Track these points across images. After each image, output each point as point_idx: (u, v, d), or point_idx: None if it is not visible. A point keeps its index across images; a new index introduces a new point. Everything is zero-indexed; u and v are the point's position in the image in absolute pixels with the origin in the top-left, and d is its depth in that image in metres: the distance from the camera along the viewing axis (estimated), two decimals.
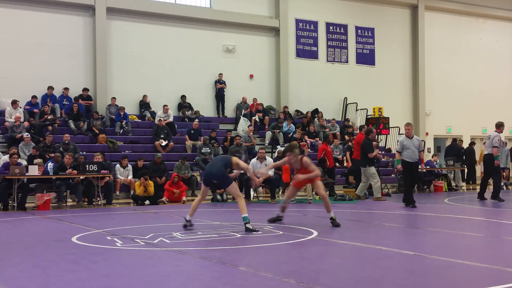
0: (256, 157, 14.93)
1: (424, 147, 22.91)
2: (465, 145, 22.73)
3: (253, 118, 20.84)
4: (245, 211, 8.27)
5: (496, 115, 26.68)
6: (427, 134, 25.30)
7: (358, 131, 19.88)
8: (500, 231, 8.77)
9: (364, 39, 24.49)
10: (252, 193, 15.20)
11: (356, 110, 23.22)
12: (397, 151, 12.87)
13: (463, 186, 21.03)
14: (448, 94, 25.99)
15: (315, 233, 8.03)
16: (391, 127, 20.42)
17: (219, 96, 21.40)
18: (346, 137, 20.48)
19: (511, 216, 10.57)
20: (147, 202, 14.16)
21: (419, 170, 12.82)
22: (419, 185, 19.13)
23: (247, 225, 8.20)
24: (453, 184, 19.95)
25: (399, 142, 12.90)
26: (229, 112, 21.67)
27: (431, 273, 5.44)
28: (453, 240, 7.51)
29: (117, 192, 15.42)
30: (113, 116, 18.90)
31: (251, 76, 22.22)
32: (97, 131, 17.86)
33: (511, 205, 13.01)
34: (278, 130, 19.90)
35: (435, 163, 19.66)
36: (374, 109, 21.06)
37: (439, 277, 5.29)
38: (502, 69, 27.63)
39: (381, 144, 21.69)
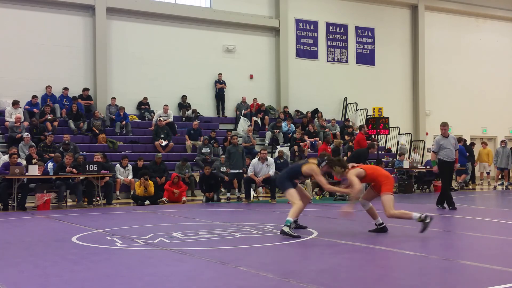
0: (257, 158, 14.92)
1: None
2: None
3: (253, 118, 20.83)
4: (291, 215, 7.75)
5: (496, 115, 26.78)
6: (427, 134, 25.29)
7: (358, 131, 19.89)
8: (501, 231, 8.78)
9: (364, 39, 24.48)
10: (252, 193, 15.21)
11: (356, 110, 23.21)
12: (433, 152, 12.29)
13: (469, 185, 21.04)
14: (448, 94, 25.97)
15: (315, 233, 8.03)
16: (391, 127, 20.39)
17: (219, 96, 21.39)
18: (346, 137, 20.47)
19: (510, 216, 10.57)
20: (147, 202, 14.15)
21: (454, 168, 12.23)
22: (419, 185, 19.15)
23: (285, 228, 7.65)
24: (453, 184, 19.92)
25: (435, 141, 12.29)
26: (229, 112, 21.66)
27: (431, 273, 5.45)
28: (453, 240, 7.51)
29: (117, 192, 15.41)
30: (113, 116, 18.90)
31: (251, 76, 22.21)
32: (97, 131, 17.86)
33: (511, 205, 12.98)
34: (278, 130, 19.89)
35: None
36: (374, 109, 21.00)
37: (439, 277, 5.29)
38: (502, 69, 27.62)
39: (381, 144, 21.67)
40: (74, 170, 13.46)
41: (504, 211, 12.04)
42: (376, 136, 19.17)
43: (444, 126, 12.09)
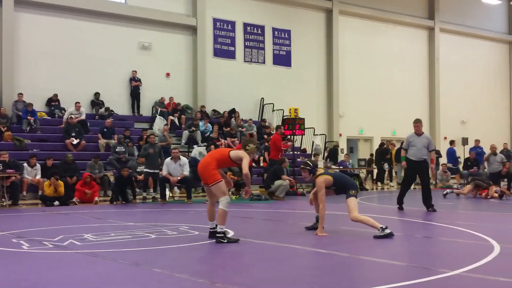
0: (170, 157, 14.71)
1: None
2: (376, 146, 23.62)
3: (170, 117, 20.54)
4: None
5: (404, 117, 27.91)
6: (340, 135, 26.04)
7: (274, 131, 20.14)
8: (411, 230, 9.15)
9: (281, 40, 24.82)
10: (167, 192, 15.00)
11: (273, 110, 23.50)
12: (402, 148, 11.75)
13: (382, 185, 21.86)
14: (360, 96, 26.85)
15: (231, 233, 8.01)
16: (307, 128, 20.80)
17: (134, 94, 20.89)
18: (264, 137, 20.67)
19: (415, 214, 11.07)
20: (56, 203, 13.58)
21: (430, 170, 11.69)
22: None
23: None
24: (364, 184, 20.60)
25: (405, 138, 11.82)
26: (145, 110, 21.22)
27: (343, 271, 5.57)
28: (362, 238, 7.73)
29: (24, 193, 14.71)
30: (20, 113, 17.99)
31: (168, 75, 21.89)
32: (2, 129, 16.92)
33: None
34: (194, 128, 19.64)
35: (347, 163, 20.28)
36: (290, 109, 21.37)
37: (350, 274, 5.42)
38: (410, 73, 28.92)
39: (297, 144, 22.07)
40: None
41: (411, 210, 12.56)
42: (292, 136, 19.51)
43: (417, 123, 11.51)
